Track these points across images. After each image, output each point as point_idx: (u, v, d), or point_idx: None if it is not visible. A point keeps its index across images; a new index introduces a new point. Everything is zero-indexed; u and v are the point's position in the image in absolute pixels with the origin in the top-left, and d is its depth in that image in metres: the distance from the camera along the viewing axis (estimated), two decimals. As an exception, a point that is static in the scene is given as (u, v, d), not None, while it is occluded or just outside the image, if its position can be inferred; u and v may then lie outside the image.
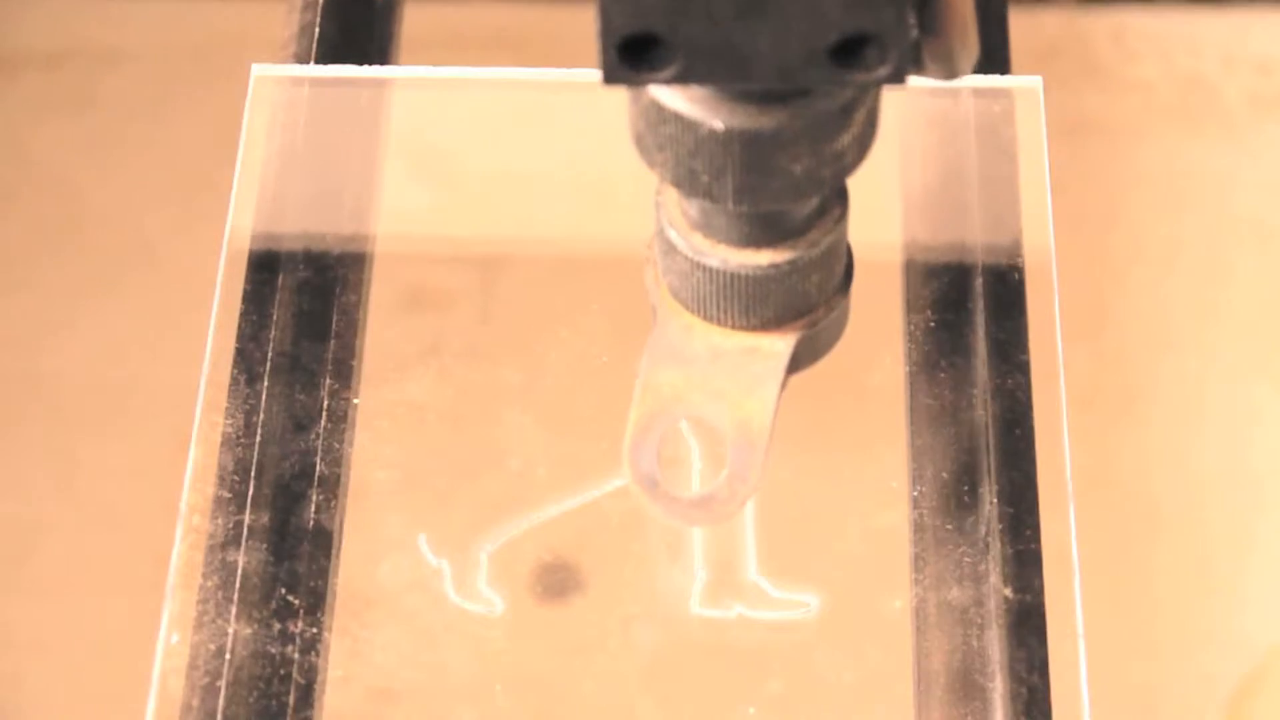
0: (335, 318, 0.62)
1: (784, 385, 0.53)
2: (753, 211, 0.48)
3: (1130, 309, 1.11)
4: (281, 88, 0.65)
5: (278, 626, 0.57)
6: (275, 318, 0.61)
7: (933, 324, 0.61)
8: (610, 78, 0.43)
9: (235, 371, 0.60)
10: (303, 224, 0.63)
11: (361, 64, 0.66)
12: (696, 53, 0.42)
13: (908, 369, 0.61)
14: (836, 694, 0.57)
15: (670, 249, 0.50)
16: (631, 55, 0.43)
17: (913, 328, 0.61)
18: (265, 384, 0.60)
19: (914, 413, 0.60)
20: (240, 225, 0.63)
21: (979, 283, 0.62)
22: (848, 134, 0.46)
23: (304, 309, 0.62)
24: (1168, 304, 1.11)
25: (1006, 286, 0.61)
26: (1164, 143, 1.16)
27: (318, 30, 0.68)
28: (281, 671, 0.56)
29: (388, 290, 0.63)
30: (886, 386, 0.61)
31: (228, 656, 0.56)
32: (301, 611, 0.57)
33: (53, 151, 1.18)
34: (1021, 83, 0.65)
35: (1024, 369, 0.60)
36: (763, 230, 0.49)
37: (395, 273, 0.64)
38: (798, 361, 0.52)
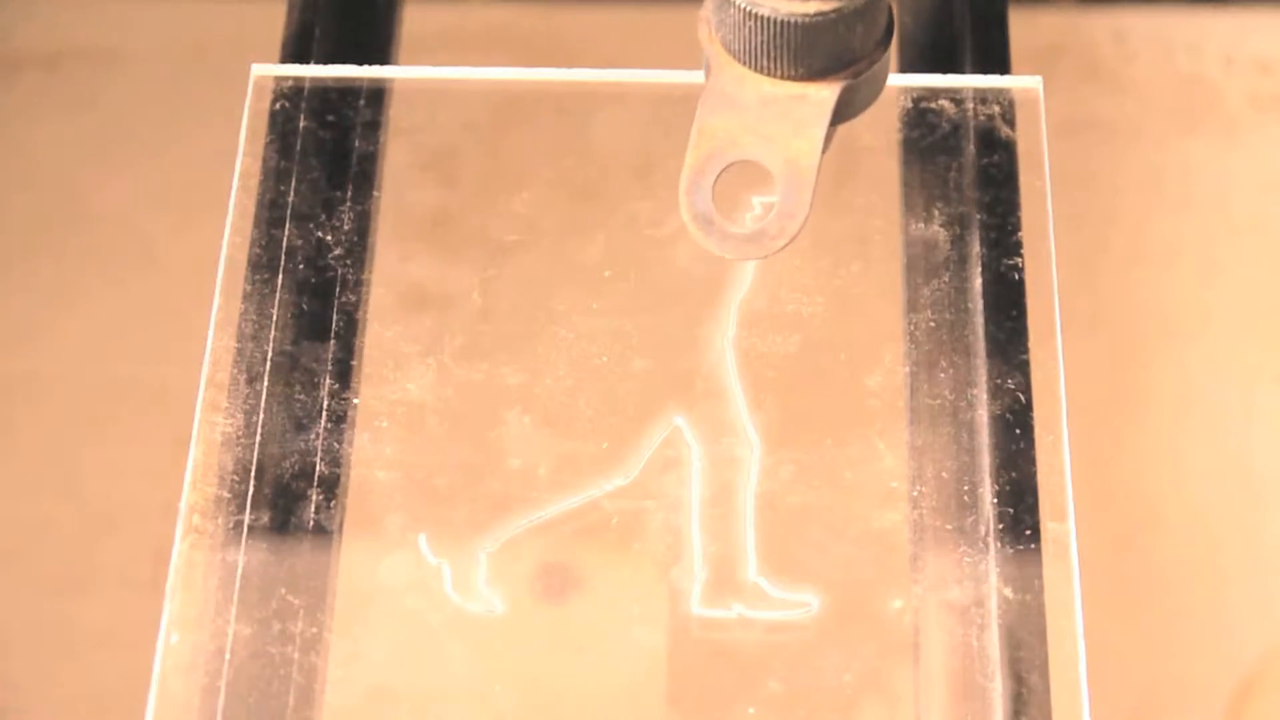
0: (335, 318, 0.62)
1: (826, 139, 0.56)
2: None
3: (1130, 309, 1.11)
4: (281, 88, 0.65)
5: (278, 626, 0.57)
6: (275, 318, 0.61)
7: (933, 324, 0.61)
8: None
9: (235, 371, 0.60)
10: (303, 224, 0.63)
11: (361, 64, 0.66)
12: None
13: (908, 369, 0.61)
14: (836, 694, 0.57)
15: (724, 2, 0.54)
16: None
17: (913, 328, 0.61)
18: (265, 384, 0.60)
19: (914, 413, 0.60)
20: (240, 225, 0.63)
21: (979, 283, 0.62)
22: None
23: (304, 309, 0.62)
24: (1168, 304, 1.11)
25: (1006, 286, 0.61)
26: (1164, 143, 1.16)
27: (318, 30, 0.68)
28: (281, 671, 0.56)
29: (388, 290, 0.63)
30: (886, 386, 0.61)
31: (228, 656, 0.56)
32: (301, 611, 0.57)
33: (53, 151, 1.18)
34: (1021, 83, 0.65)
35: (1024, 369, 0.60)
36: None
37: (395, 273, 0.64)
38: (841, 113, 0.55)
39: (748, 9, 0.53)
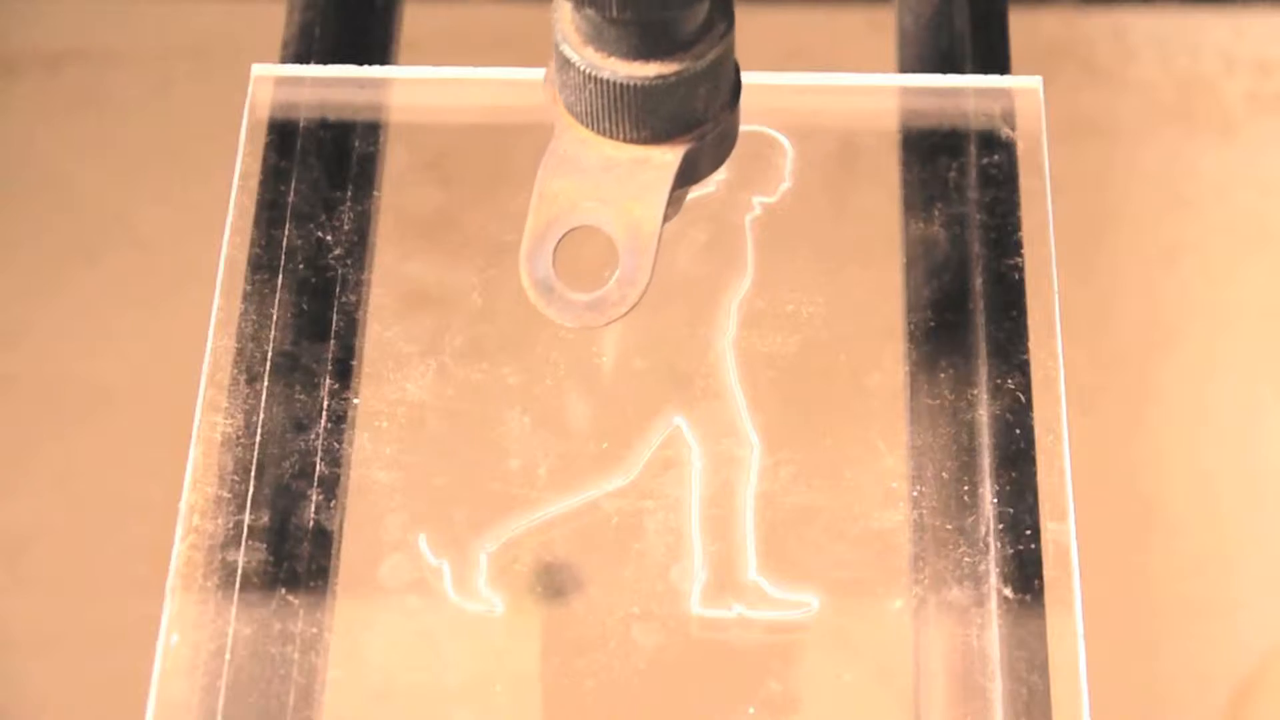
0: (335, 318, 0.62)
1: (674, 203, 0.55)
2: (638, 21, 0.50)
3: (1130, 309, 1.11)
4: (281, 88, 0.65)
5: (278, 626, 0.57)
6: (275, 318, 0.61)
7: (933, 324, 0.61)
8: None
9: (235, 371, 0.60)
10: (303, 224, 0.63)
11: (361, 64, 0.66)
12: None
13: (908, 369, 0.61)
14: (836, 694, 0.57)
15: (565, 64, 0.52)
16: None
17: (913, 328, 0.61)
18: (265, 384, 0.60)
19: (914, 413, 0.60)
20: (240, 225, 0.63)
21: (979, 283, 0.62)
22: None
23: (304, 309, 0.62)
24: (1168, 304, 1.11)
25: (1006, 286, 0.61)
26: (1164, 143, 1.16)
27: (318, 30, 0.68)
28: (281, 671, 0.56)
29: (388, 290, 0.63)
30: (886, 386, 0.61)
31: (228, 656, 0.56)
32: (301, 611, 0.57)
33: (53, 151, 1.18)
34: (1021, 83, 0.65)
35: (1024, 369, 0.60)
36: (651, 42, 0.51)
37: (395, 273, 0.64)
38: (686, 175, 0.54)
39: (588, 71, 0.52)
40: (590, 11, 0.50)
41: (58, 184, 1.16)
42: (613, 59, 0.52)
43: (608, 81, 0.52)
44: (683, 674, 0.57)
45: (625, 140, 0.53)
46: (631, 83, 0.52)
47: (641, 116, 0.52)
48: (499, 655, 0.57)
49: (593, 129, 0.53)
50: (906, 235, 0.63)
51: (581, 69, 0.52)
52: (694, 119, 0.53)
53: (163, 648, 0.56)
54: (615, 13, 0.49)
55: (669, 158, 0.53)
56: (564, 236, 0.53)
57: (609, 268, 0.53)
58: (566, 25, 0.52)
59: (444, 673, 0.57)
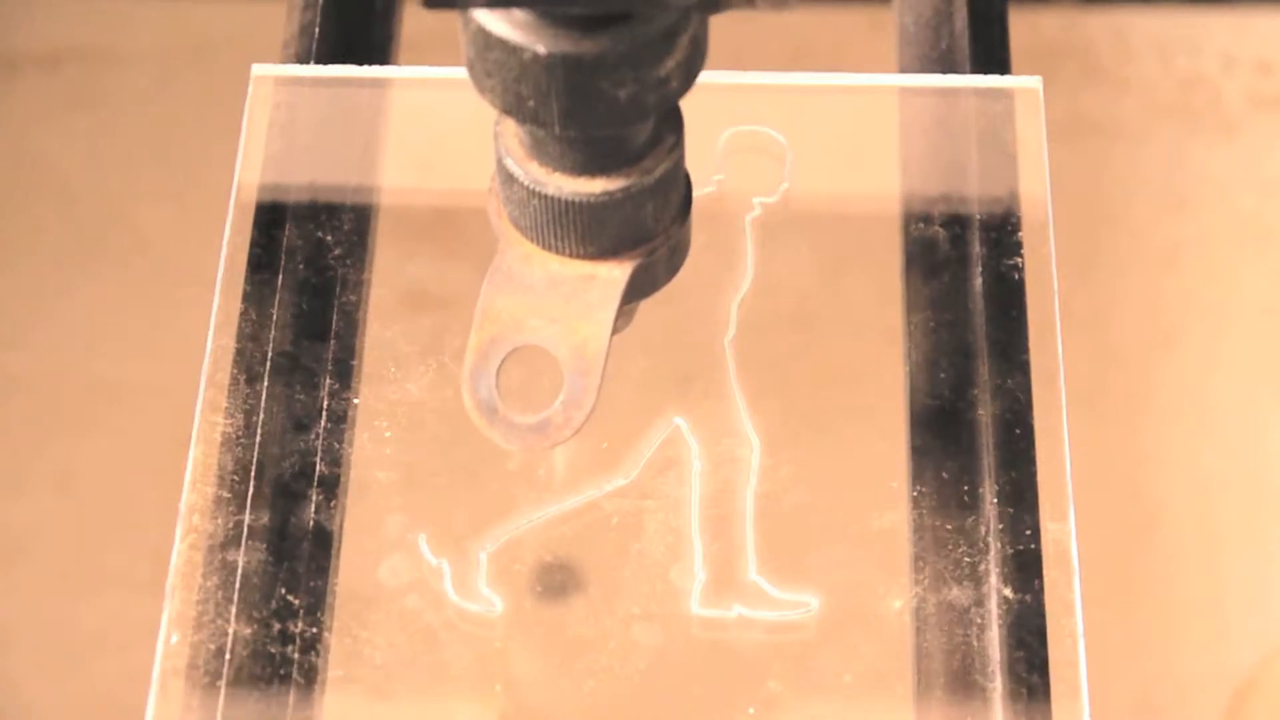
0: (335, 318, 0.62)
1: (624, 316, 0.53)
2: (582, 137, 0.49)
3: (1130, 309, 1.11)
4: (281, 88, 0.65)
5: (278, 626, 0.57)
6: (275, 318, 0.61)
7: (933, 324, 0.61)
8: (432, 1, 0.44)
9: (235, 371, 0.60)
10: (303, 224, 0.63)
11: (361, 64, 0.66)
12: None
13: (908, 369, 0.61)
14: (836, 694, 0.57)
15: (509, 178, 0.51)
16: None
17: (913, 328, 0.61)
18: (265, 384, 0.60)
19: (914, 413, 0.60)
20: (240, 224, 0.63)
21: (979, 283, 0.62)
22: (671, 59, 0.46)
23: (304, 309, 0.62)
24: (1168, 304, 1.11)
25: (1006, 286, 0.61)
26: (1164, 143, 1.16)
27: (318, 30, 0.68)
28: (281, 671, 0.56)
29: (388, 290, 0.63)
30: (886, 387, 0.61)
31: (228, 656, 0.56)
32: (301, 611, 0.57)
33: (53, 151, 1.18)
34: (1021, 83, 0.65)
35: (1024, 369, 0.60)
36: (596, 158, 0.49)
37: (395, 273, 0.64)
38: (635, 290, 0.53)
39: (532, 187, 0.50)
40: (533, 126, 0.48)
41: (58, 184, 1.16)
42: (557, 174, 0.50)
43: (552, 198, 0.50)
44: (683, 674, 0.57)
45: (571, 256, 0.51)
46: (577, 199, 0.50)
47: (588, 233, 0.51)
48: (499, 655, 0.57)
49: (538, 244, 0.51)
50: (906, 235, 0.63)
51: (525, 184, 0.50)
52: (642, 235, 0.51)
53: (163, 648, 0.56)
54: (559, 129, 0.47)
55: (616, 274, 0.51)
56: (508, 356, 0.52)
57: (556, 382, 0.52)
58: (509, 138, 0.50)
59: (444, 673, 0.57)
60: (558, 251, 0.51)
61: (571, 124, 0.46)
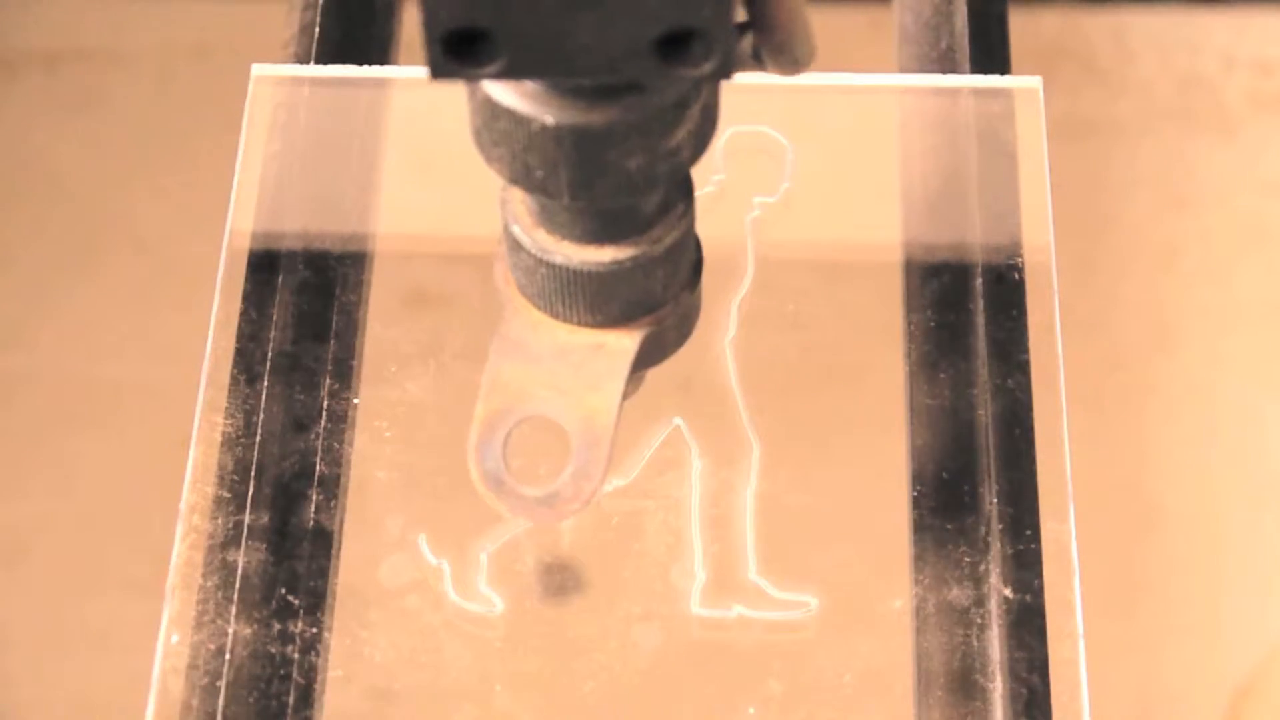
0: (335, 318, 0.62)
1: (634, 382, 0.52)
2: (592, 207, 0.48)
3: (1130, 309, 1.12)
4: (281, 88, 0.65)
5: (278, 626, 0.57)
6: (275, 318, 0.61)
7: (933, 324, 0.61)
8: (437, 73, 0.43)
9: (235, 371, 0.60)
10: (303, 224, 0.63)
11: (361, 64, 0.66)
12: (522, 46, 0.42)
13: (908, 369, 0.61)
14: (836, 694, 0.57)
15: (516, 246, 0.50)
16: (458, 50, 0.43)
17: (913, 328, 0.61)
18: (265, 384, 0.60)
19: (914, 413, 0.60)
20: (240, 225, 0.63)
21: (979, 283, 0.62)
22: (682, 130, 0.45)
23: (304, 309, 0.62)
24: (1168, 304, 1.12)
25: (1006, 286, 0.61)
26: (1164, 143, 1.16)
27: (318, 30, 0.68)
28: (281, 671, 0.56)
29: (388, 290, 0.63)
30: (886, 387, 0.61)
31: (228, 656, 0.56)
32: (301, 611, 0.57)
33: (52, 151, 1.18)
34: (1021, 83, 0.65)
35: (1024, 369, 0.60)
36: (605, 226, 0.49)
37: (395, 273, 0.64)
38: (645, 359, 0.52)
39: (540, 255, 0.49)
40: (542, 197, 0.47)
41: (58, 184, 1.16)
42: (565, 243, 0.49)
43: (560, 267, 0.49)
44: (683, 674, 0.57)
45: (579, 324, 0.51)
46: (585, 269, 0.49)
47: (596, 302, 0.50)
48: (499, 655, 0.57)
49: (546, 312, 0.51)
50: (906, 236, 0.63)
51: (533, 252, 0.49)
52: (652, 303, 0.50)
53: (163, 648, 0.56)
54: (567, 199, 0.45)
55: (626, 344, 0.50)
56: (515, 426, 0.51)
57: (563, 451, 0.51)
58: (517, 205, 0.49)
59: (444, 673, 0.57)
60: (566, 320, 0.51)
61: (580, 195, 0.46)
